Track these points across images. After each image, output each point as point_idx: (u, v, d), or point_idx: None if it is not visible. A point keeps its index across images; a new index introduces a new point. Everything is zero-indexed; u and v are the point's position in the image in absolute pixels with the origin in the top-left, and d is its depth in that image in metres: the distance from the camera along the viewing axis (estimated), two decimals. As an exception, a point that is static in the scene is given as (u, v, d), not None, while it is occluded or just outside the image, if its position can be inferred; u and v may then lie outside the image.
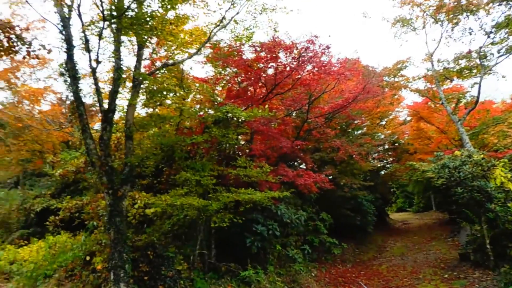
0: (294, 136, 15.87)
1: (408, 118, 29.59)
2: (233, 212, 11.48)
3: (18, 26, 8.60)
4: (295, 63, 13.23)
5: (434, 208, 43.72)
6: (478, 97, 17.09)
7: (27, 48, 9.04)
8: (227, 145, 12.56)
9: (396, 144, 30.34)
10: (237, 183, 12.17)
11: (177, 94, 11.99)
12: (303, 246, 14.62)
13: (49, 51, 9.77)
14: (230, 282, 10.96)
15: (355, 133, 22.46)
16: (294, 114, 16.79)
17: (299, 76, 13.93)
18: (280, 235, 13.00)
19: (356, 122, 20.89)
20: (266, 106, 12.83)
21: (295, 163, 17.89)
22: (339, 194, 19.32)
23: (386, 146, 30.21)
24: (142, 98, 12.82)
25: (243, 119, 12.03)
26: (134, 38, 11.85)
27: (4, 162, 25.05)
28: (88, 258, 11.16)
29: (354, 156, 17.01)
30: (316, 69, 13.69)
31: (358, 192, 20.04)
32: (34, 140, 24.10)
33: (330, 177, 17.12)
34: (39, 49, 9.43)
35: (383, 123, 29.04)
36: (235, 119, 12.05)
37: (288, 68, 13.41)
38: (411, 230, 29.46)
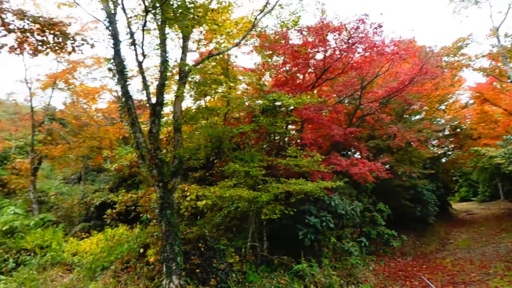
0: (346, 123, 15.17)
1: (471, 101, 27.49)
2: (284, 204, 11.13)
3: (61, 22, 8.67)
4: (345, 46, 12.52)
5: (502, 197, 41.00)
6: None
7: (71, 43, 9.14)
8: (276, 134, 12.14)
9: (458, 130, 28.38)
10: (288, 173, 11.78)
11: (224, 84, 11.79)
12: (359, 239, 13.96)
13: (92, 46, 9.87)
14: (283, 276, 10.59)
15: (412, 118, 21.11)
16: (346, 101, 16.05)
17: (350, 59, 13.16)
18: (335, 227, 12.46)
19: (413, 107, 19.64)
20: (315, 91, 12.22)
21: (349, 152, 17.19)
22: (397, 183, 18.34)
23: (447, 132, 28.43)
24: (189, 90, 12.79)
25: (292, 107, 11.62)
26: (179, 32, 11.80)
27: (66, 159, 26.38)
28: (142, 250, 11.30)
29: (412, 142, 15.94)
30: (368, 51, 12.87)
31: (417, 181, 18.91)
32: (92, 137, 25.10)
33: (387, 166, 16.28)
34: (82, 44, 9.51)
35: (443, 107, 27.18)
36: (283, 108, 11.63)
37: (337, 52, 12.73)
38: (476, 221, 27.59)
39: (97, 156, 26.45)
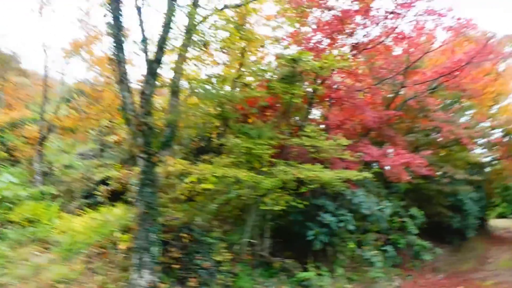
0: (383, 109, 12.69)
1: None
2: (294, 195, 8.94)
3: None
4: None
5: (547, 219, 37.59)
6: None
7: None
8: (294, 109, 9.84)
9: (508, 138, 25.06)
10: (303, 159, 9.57)
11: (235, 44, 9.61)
12: (384, 247, 11.55)
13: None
14: (282, 284, 8.48)
15: (464, 113, 18.06)
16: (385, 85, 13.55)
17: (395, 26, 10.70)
18: (356, 229, 10.17)
19: (463, 101, 16.81)
20: (347, 56, 9.87)
21: (382, 145, 14.76)
22: (434, 188, 15.77)
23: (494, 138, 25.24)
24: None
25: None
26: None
27: (78, 131, 24.96)
28: (120, 235, 9.43)
29: (461, 139, 13.21)
30: (419, 15, 10.42)
31: (460, 187, 16.19)
32: (106, 109, 23.51)
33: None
34: None
35: (495, 109, 23.76)
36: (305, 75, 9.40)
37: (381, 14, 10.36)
38: (519, 241, 24.51)
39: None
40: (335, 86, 11.54)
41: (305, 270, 8.88)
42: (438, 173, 15.63)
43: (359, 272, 10.39)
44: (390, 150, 10.54)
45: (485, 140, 24.58)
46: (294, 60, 8.27)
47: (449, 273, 14.61)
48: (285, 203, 8.19)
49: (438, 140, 14.23)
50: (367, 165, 10.61)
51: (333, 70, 9.74)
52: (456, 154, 16.39)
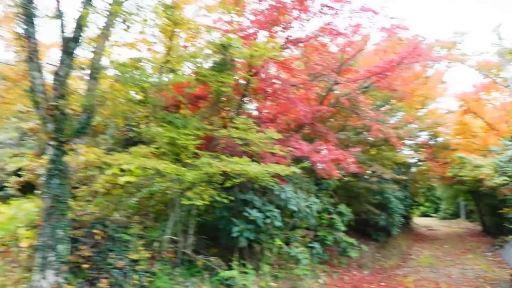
0: (316, 105, 12.56)
1: (453, 110, 25.39)
2: (223, 190, 8.47)
3: None
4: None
5: (462, 217, 40.31)
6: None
7: None
8: (222, 95, 9.28)
9: (433, 141, 26.40)
10: (233, 152, 9.13)
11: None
12: (312, 244, 11.44)
13: None
14: (204, 283, 7.99)
15: (394, 114, 18.59)
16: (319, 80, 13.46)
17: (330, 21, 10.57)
18: (284, 226, 9.92)
19: (393, 103, 17.26)
20: (279, 45, 9.55)
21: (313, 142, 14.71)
22: (363, 186, 16.06)
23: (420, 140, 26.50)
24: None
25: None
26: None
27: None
28: (25, 231, 8.40)
29: (389, 139, 13.44)
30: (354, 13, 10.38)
31: (387, 185, 16.64)
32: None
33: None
34: None
35: (423, 112, 24.88)
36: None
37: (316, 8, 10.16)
38: (439, 238, 25.90)
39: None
40: (269, 80, 11.22)
41: (230, 268, 8.45)
42: (367, 172, 15.96)
43: (285, 270, 10.15)
44: (321, 146, 10.35)
45: (412, 141, 25.73)
46: (224, 47, 7.78)
47: (374, 270, 14.96)
48: (209, 198, 7.65)
49: (368, 139, 14.45)
50: (298, 161, 10.37)
51: (265, 60, 9.37)
52: (385, 153, 16.84)
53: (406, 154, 23.37)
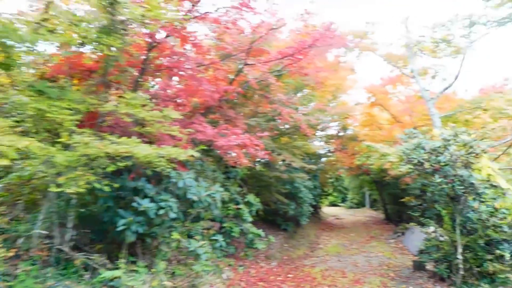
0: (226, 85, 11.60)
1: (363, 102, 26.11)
2: (107, 175, 7.15)
3: None
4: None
5: (367, 206, 42.44)
6: (458, 73, 13.80)
7: None
8: (111, 64, 7.89)
9: (342, 132, 27.03)
10: (125, 133, 7.84)
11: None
12: (215, 236, 10.51)
13: None
14: (80, 285, 6.67)
15: (309, 105, 18.31)
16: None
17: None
18: (183, 218, 8.83)
19: (306, 91, 16.98)
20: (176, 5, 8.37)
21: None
22: (273, 175, 15.54)
23: (330, 132, 27.02)
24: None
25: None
26: None
27: None
28: None
29: (300, 126, 13.00)
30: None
31: (297, 175, 16.32)
32: None
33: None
34: None
35: (333, 105, 25.23)
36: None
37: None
38: (345, 226, 26.61)
39: None
40: (174, 56, 10.00)
41: (117, 267, 7.20)
42: (278, 161, 15.45)
43: (185, 266, 9.11)
44: (226, 130, 9.43)
45: (323, 133, 26.06)
46: (111, 4, 6.44)
47: (282, 261, 14.53)
48: (83, 185, 6.26)
49: (279, 126, 13.91)
50: (205, 148, 9.37)
51: (165, 28, 8.18)
52: (295, 142, 16.51)
53: (317, 145, 23.47)
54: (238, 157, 10.47)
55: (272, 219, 17.42)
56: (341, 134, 26.87)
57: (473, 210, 9.39)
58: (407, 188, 22.11)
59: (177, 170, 8.30)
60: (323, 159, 27.41)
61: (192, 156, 7.37)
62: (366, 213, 37.15)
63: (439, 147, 9.58)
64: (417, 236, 16.48)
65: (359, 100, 24.32)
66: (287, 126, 13.86)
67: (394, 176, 19.75)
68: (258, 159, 13.03)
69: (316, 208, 28.05)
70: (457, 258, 9.52)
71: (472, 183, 9.00)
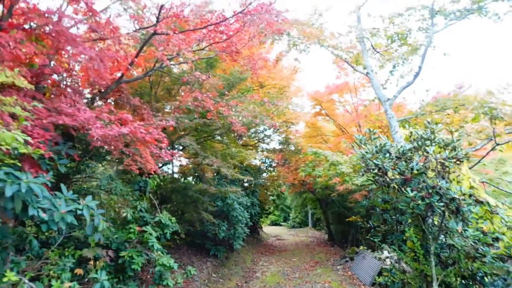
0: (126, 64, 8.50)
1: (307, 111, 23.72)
2: None
3: None
4: None
5: (310, 225, 40.51)
6: (420, 68, 11.66)
7: None
8: None
9: (285, 144, 24.47)
10: None
11: None
12: (94, 275, 7.17)
13: None
14: None
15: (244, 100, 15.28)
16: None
17: None
18: (35, 244, 5.60)
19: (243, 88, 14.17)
20: None
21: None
22: (199, 189, 12.52)
23: (272, 145, 24.53)
24: None
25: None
26: None
27: None
28: None
29: (232, 123, 10.00)
30: None
31: (229, 188, 13.31)
32: None
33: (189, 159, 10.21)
34: None
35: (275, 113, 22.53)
36: None
37: None
38: (287, 249, 23.89)
39: None
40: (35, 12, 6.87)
41: None
42: (205, 170, 12.50)
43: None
44: (105, 115, 6.31)
45: (263, 145, 23.54)
46: None
47: (207, 297, 11.53)
48: None
49: (208, 126, 10.99)
50: (68, 135, 6.27)
51: None
52: (228, 150, 13.66)
53: (256, 156, 20.77)
54: (145, 161, 7.51)
55: (201, 242, 14.33)
56: (283, 147, 24.35)
57: (454, 235, 7.01)
58: (352, 207, 20.12)
59: (24, 170, 5.14)
60: (264, 175, 24.68)
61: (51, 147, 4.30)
62: (309, 233, 34.96)
63: (410, 150, 7.15)
64: (369, 263, 14.10)
65: (303, 108, 21.93)
66: (217, 125, 10.94)
67: (342, 192, 17.48)
68: (174, 167, 10.04)
69: (255, 228, 25.27)
70: (433, 299, 7.06)
71: (454, 198, 6.58)
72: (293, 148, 23.89)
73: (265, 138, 22.47)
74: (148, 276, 9.60)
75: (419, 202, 6.56)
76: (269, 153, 23.97)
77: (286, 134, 23.43)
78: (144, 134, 6.10)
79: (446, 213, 6.82)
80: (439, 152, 6.86)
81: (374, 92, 12.02)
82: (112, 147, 6.40)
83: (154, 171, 8.12)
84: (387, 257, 13.77)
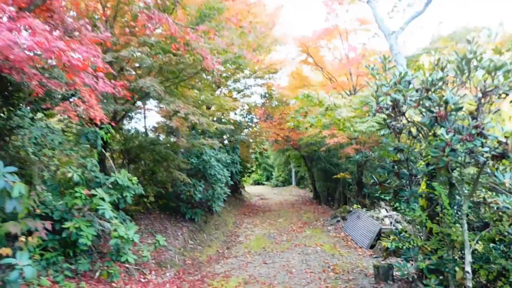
0: None
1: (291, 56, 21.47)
2: None
3: None
4: None
5: (293, 184, 39.38)
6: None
7: None
8: None
9: (267, 99, 22.43)
10: None
11: None
12: (11, 259, 5.30)
13: None
14: None
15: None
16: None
17: None
18: None
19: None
20: None
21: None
22: (168, 143, 10.62)
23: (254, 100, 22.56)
24: None
25: None
26: None
27: None
28: None
29: (203, 57, 7.94)
30: None
31: (205, 140, 11.35)
32: None
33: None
34: None
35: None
36: None
37: None
38: (272, 209, 22.42)
39: None
40: None
41: None
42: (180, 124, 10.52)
43: None
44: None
45: (245, 99, 21.60)
46: None
47: (183, 268, 9.83)
48: None
49: (175, 64, 8.91)
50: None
51: None
52: (203, 97, 11.61)
53: (237, 107, 18.81)
54: (88, 105, 5.51)
55: (175, 206, 12.58)
56: (265, 100, 22.35)
57: (494, 190, 5.36)
58: (345, 162, 18.60)
59: None
60: (246, 130, 22.69)
61: None
62: (293, 192, 33.77)
63: (442, 79, 5.30)
64: (365, 223, 12.63)
65: (289, 55, 19.81)
66: (186, 62, 8.80)
67: (331, 146, 15.81)
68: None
69: (237, 187, 23.67)
70: (466, 272, 5.48)
71: (500, 142, 4.86)
72: (276, 103, 21.98)
73: (246, 89, 20.34)
74: (107, 251, 7.78)
75: (458, 146, 4.80)
76: (250, 107, 22.06)
77: (268, 87, 21.43)
78: (63, 50, 4.01)
79: (490, 162, 5.10)
80: (485, 80, 5.03)
81: (377, 25, 10.00)
82: (25, 76, 4.34)
83: (101, 120, 6.15)
84: (386, 216, 12.33)
